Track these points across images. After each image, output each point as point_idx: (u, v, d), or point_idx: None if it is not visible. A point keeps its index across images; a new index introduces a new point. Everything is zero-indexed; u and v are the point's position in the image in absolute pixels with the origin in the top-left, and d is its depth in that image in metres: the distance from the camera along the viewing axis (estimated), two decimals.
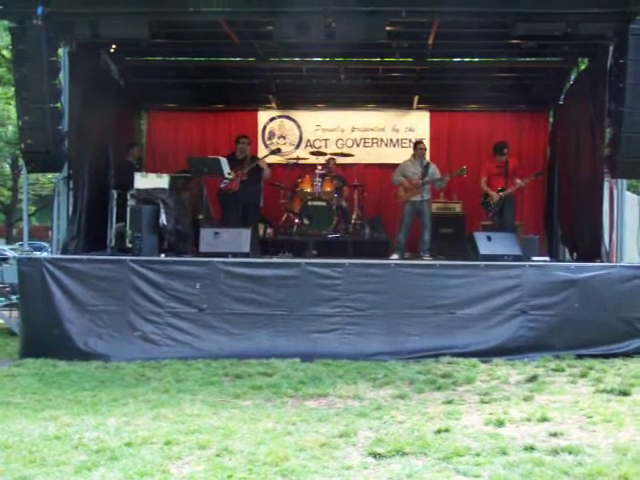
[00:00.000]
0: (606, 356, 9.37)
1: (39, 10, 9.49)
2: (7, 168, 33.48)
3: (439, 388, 7.80)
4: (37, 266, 9.61)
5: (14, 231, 33.79)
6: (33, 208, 36.81)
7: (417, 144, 12.93)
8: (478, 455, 5.40)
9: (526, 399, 7.29)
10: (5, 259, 13.25)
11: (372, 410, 6.81)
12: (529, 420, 6.47)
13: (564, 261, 11.84)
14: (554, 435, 5.98)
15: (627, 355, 9.47)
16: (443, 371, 8.57)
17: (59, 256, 10.35)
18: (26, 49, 9.64)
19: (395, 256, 11.86)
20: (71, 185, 10.94)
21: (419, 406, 7.02)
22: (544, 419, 6.47)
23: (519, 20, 9.76)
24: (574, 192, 12.07)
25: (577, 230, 11.88)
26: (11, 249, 22.51)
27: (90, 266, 9.74)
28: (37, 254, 15.06)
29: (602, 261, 10.41)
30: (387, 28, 10.20)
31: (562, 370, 8.71)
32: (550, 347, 9.48)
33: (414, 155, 12.78)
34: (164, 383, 7.93)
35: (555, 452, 5.48)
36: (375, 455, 5.44)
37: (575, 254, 11.98)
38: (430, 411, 6.81)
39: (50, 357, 9.17)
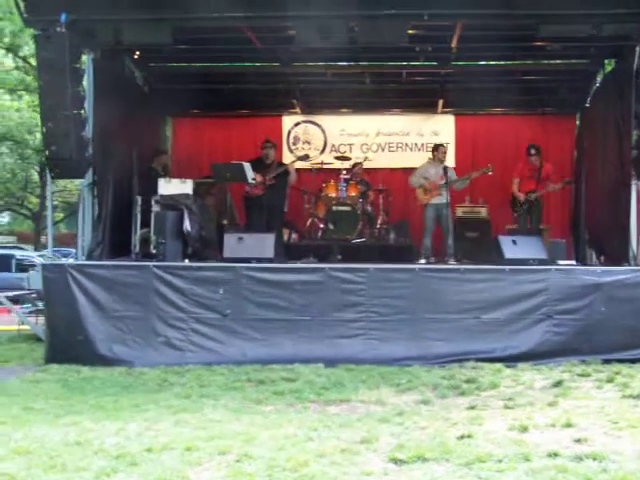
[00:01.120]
0: (633, 361, 9.24)
1: (62, 17, 9.57)
2: (35, 175, 33.78)
3: (463, 393, 7.75)
4: (62, 272, 9.64)
5: (42, 238, 34.03)
6: (61, 215, 37.13)
7: (439, 147, 12.86)
8: (500, 461, 5.32)
9: (551, 404, 7.21)
10: (33, 266, 13.34)
11: (394, 416, 6.76)
12: (553, 426, 6.39)
13: (591, 265, 11.71)
14: (578, 441, 5.89)
15: None
16: (467, 376, 8.49)
17: (83, 262, 10.41)
18: (50, 56, 9.71)
19: (422, 261, 11.79)
20: (95, 192, 10.97)
21: (442, 411, 6.96)
22: (569, 425, 6.38)
23: (543, 22, 9.69)
24: (601, 195, 11.94)
25: (604, 234, 11.77)
26: (39, 256, 22.68)
27: (114, 272, 9.77)
28: (64, 260, 15.16)
29: (629, 265, 10.28)
30: (409, 32, 10.16)
31: (588, 375, 8.61)
32: (576, 352, 9.39)
33: (433, 157, 12.75)
34: (186, 388, 7.94)
35: (579, 458, 5.39)
36: (396, 461, 5.38)
37: (602, 258, 11.86)
38: (453, 417, 6.75)
39: (74, 363, 9.21)
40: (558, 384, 8.13)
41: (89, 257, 10.71)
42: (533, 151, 12.58)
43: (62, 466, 5.24)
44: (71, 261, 12.03)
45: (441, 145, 13.00)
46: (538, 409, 7.03)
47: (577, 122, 14.70)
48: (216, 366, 9.06)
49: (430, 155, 12.94)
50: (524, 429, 6.26)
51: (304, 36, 10.13)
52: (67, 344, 9.50)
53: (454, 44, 11.61)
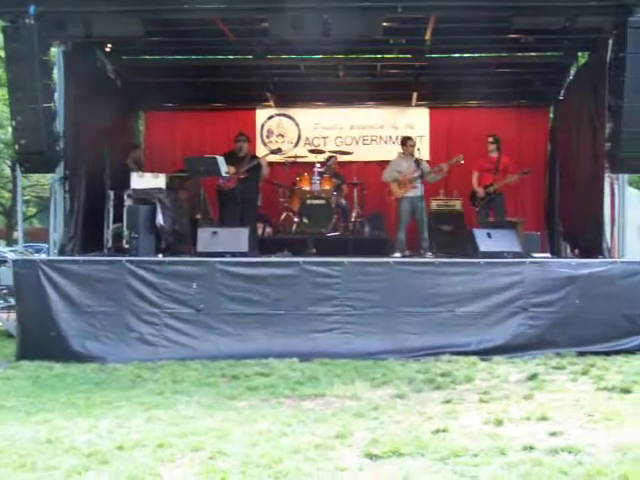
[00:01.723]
0: (608, 353, 9.29)
1: (31, 9, 9.42)
2: (7, 170, 33.42)
3: (438, 387, 7.73)
4: (33, 268, 9.54)
5: (14, 233, 33.71)
6: (34, 210, 36.83)
7: (407, 140, 12.83)
8: (476, 455, 5.31)
9: (526, 398, 7.21)
10: (4, 261, 13.19)
11: (369, 410, 6.73)
12: (529, 419, 6.39)
13: (565, 257, 11.73)
14: (554, 434, 5.89)
15: (629, 352, 9.39)
16: (442, 370, 8.48)
17: (55, 257, 10.31)
18: (19, 48, 9.57)
19: (397, 254, 11.74)
20: (67, 186, 10.86)
21: (417, 406, 6.93)
22: (544, 418, 6.39)
23: (516, 14, 9.67)
24: (575, 188, 11.97)
25: (578, 226, 11.78)
26: (11, 251, 22.44)
27: (86, 267, 9.68)
28: (36, 255, 14.98)
29: (604, 257, 10.31)
30: (383, 24, 10.11)
31: (563, 368, 8.63)
32: (551, 344, 9.42)
33: (403, 152, 12.72)
34: (160, 385, 7.87)
35: (554, 452, 5.39)
36: (371, 456, 5.35)
37: (576, 250, 11.88)
38: (428, 411, 6.73)
39: (46, 359, 9.09)
40: (533, 377, 8.13)
41: (61, 252, 10.60)
42: (491, 139, 12.62)
43: (32, 465, 5.18)
44: (43, 256, 11.92)
45: (409, 138, 12.96)
46: (513, 402, 7.02)
47: (551, 115, 14.71)
48: (190, 361, 8.99)
49: (400, 149, 12.88)
50: (499, 423, 6.25)
51: (278, 29, 10.07)
52: (39, 340, 9.39)
53: (428, 37, 11.57)
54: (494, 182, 12.45)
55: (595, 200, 10.80)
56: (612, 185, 10.68)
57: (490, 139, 12.63)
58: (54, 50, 10.70)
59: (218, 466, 5.12)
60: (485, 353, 9.22)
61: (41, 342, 9.38)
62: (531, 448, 5.48)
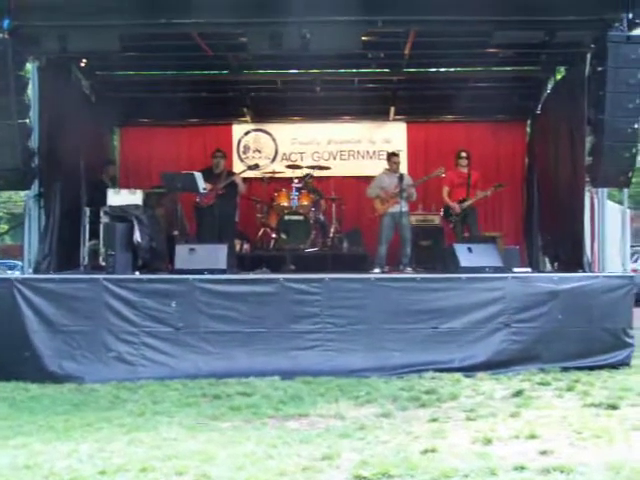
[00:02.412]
0: (591, 368, 9.25)
1: (5, 23, 9.27)
2: None
3: (423, 405, 7.61)
4: (7, 286, 9.34)
5: None
6: (6, 226, 36.47)
7: (391, 156, 12.81)
8: (467, 476, 5.18)
9: (513, 415, 7.10)
10: None
11: (355, 430, 6.58)
12: (517, 437, 6.27)
13: (545, 272, 11.72)
14: (544, 453, 5.77)
15: (613, 367, 9.36)
16: (427, 387, 8.38)
17: (30, 276, 10.13)
18: None
19: (376, 270, 11.66)
20: (42, 203, 10.69)
21: (404, 425, 6.80)
22: (533, 436, 6.27)
23: (497, 28, 9.65)
24: (554, 202, 11.97)
25: (558, 240, 11.79)
26: None
27: (62, 285, 9.48)
28: (9, 272, 14.76)
29: (584, 271, 10.29)
30: (363, 38, 10.04)
31: (548, 384, 8.55)
32: (535, 360, 9.34)
33: (389, 167, 12.66)
34: (140, 405, 7.67)
35: (546, 471, 5.27)
36: (360, 478, 5.20)
37: (556, 264, 11.87)
38: (415, 430, 6.60)
39: (22, 380, 8.89)
40: (518, 394, 8.04)
41: (36, 270, 10.44)
42: (464, 154, 12.59)
43: None
44: (17, 274, 11.73)
45: (393, 154, 12.92)
46: (500, 420, 6.91)
47: (528, 129, 14.73)
48: (169, 381, 8.81)
49: (386, 165, 12.81)
50: (488, 441, 6.13)
51: (256, 43, 9.96)
52: (14, 361, 9.16)
53: (407, 51, 11.54)
54: (468, 197, 12.38)
55: (575, 214, 10.79)
56: (592, 199, 10.68)
57: (463, 154, 12.60)
58: (28, 66, 10.53)
59: None
60: (468, 370, 9.13)
61: (16, 363, 9.15)
62: (522, 468, 5.36)
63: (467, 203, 12.40)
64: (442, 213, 12.83)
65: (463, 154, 12.62)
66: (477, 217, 12.76)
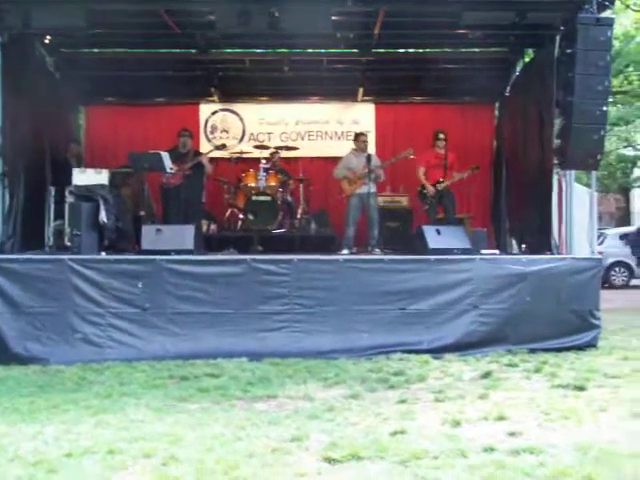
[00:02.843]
0: (559, 350, 9.34)
1: None
2: None
3: (392, 387, 7.62)
4: None
5: None
6: None
7: (359, 136, 12.70)
8: (437, 458, 5.20)
9: (481, 397, 7.14)
10: None
11: (324, 411, 6.58)
12: (486, 419, 6.31)
13: (512, 254, 11.75)
14: (513, 434, 5.82)
15: (580, 348, 9.46)
16: (395, 369, 8.38)
17: None
18: None
19: (345, 251, 11.60)
20: (5, 182, 10.51)
21: (372, 406, 6.80)
22: (501, 417, 6.32)
23: (467, 9, 9.62)
24: (522, 184, 12.00)
25: (526, 222, 11.82)
26: None
27: (27, 266, 9.35)
28: None
29: (552, 254, 10.32)
30: (332, 18, 9.95)
31: (516, 365, 8.60)
32: (503, 342, 9.41)
33: (356, 147, 12.57)
34: (106, 387, 7.60)
35: (516, 453, 5.31)
36: (329, 460, 5.21)
37: (524, 247, 11.89)
38: (384, 411, 6.60)
39: None
40: (487, 375, 8.08)
41: (0, 251, 10.25)
42: (442, 136, 12.46)
43: None
44: None
45: (361, 134, 12.83)
46: (469, 402, 6.94)
47: (496, 111, 14.73)
48: (136, 362, 8.75)
49: (353, 145, 12.74)
50: (457, 423, 6.16)
51: (224, 21, 9.84)
52: None
53: (376, 31, 11.47)
54: (444, 178, 12.35)
55: (543, 196, 10.82)
56: (560, 181, 10.72)
57: (441, 135, 12.48)
58: None
59: (172, 473, 4.94)
60: (437, 351, 9.16)
61: None
62: (491, 449, 5.39)
63: (443, 185, 12.34)
64: (417, 193, 12.71)
65: (441, 135, 12.47)
66: (454, 200, 12.68)
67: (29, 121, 11.09)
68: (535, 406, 6.75)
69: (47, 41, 11.95)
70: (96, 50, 13.29)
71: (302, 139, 15.08)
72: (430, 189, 12.33)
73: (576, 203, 10.61)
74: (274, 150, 13.93)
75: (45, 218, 11.16)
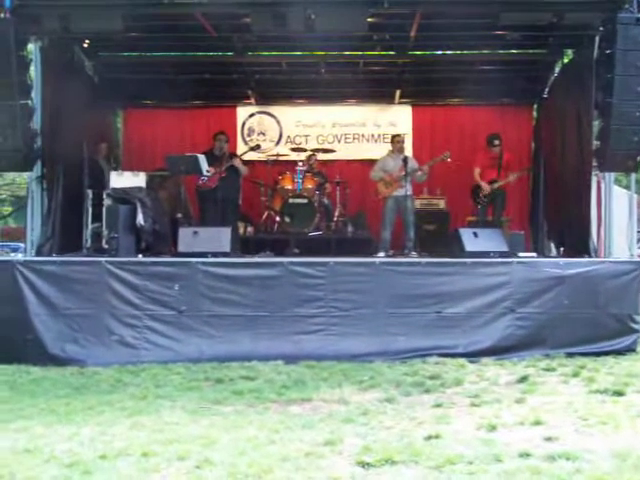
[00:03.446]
0: (597, 354, 9.17)
1: (7, 2, 9.20)
2: None
3: (427, 390, 7.55)
4: (9, 269, 9.28)
5: None
6: (9, 209, 36.44)
7: (395, 137, 12.69)
8: (471, 463, 5.13)
9: (518, 401, 7.05)
10: None
11: (358, 415, 6.54)
12: (522, 424, 6.23)
13: (551, 257, 11.63)
14: (549, 439, 5.73)
15: (619, 353, 9.28)
16: (431, 372, 8.32)
17: (32, 258, 10.05)
18: None
19: (381, 254, 11.57)
20: (45, 185, 10.63)
21: (407, 410, 6.75)
22: (538, 422, 6.23)
23: (505, 10, 9.52)
24: (560, 186, 11.87)
25: (564, 225, 11.69)
26: None
27: (65, 268, 9.42)
28: (13, 255, 14.70)
29: (590, 257, 10.20)
30: (368, 19, 9.91)
31: (553, 370, 8.48)
32: (540, 346, 9.27)
33: (392, 149, 12.54)
34: (142, 389, 7.63)
35: (552, 458, 5.21)
36: (363, 464, 5.15)
37: (562, 250, 11.78)
38: (419, 415, 6.54)
39: (23, 363, 8.85)
40: (523, 379, 7.99)
41: (38, 252, 10.38)
42: (497, 142, 12.39)
43: (10, 476, 4.93)
44: (19, 257, 11.67)
45: (397, 135, 12.80)
46: (505, 406, 6.85)
47: (534, 113, 14.60)
48: (172, 364, 8.76)
49: (390, 147, 12.70)
50: (493, 428, 6.08)
51: (260, 24, 9.83)
52: (16, 344, 9.10)
53: (413, 33, 11.42)
54: (498, 179, 12.29)
55: (582, 199, 10.70)
56: (599, 183, 10.60)
57: (496, 141, 12.43)
58: (31, 46, 10.44)
59: (205, 476, 4.93)
60: (473, 355, 9.07)
61: (18, 345, 9.10)
62: (527, 455, 5.31)
63: (496, 184, 12.27)
64: (471, 193, 12.65)
65: (496, 141, 12.45)
66: (505, 200, 12.64)
67: (68, 125, 11.19)
68: (572, 411, 6.65)
69: (86, 45, 12.11)
70: (134, 54, 13.38)
71: (339, 142, 15.08)
72: (486, 188, 12.24)
73: (615, 205, 10.48)
74: (311, 153, 13.93)
75: (83, 220, 11.24)
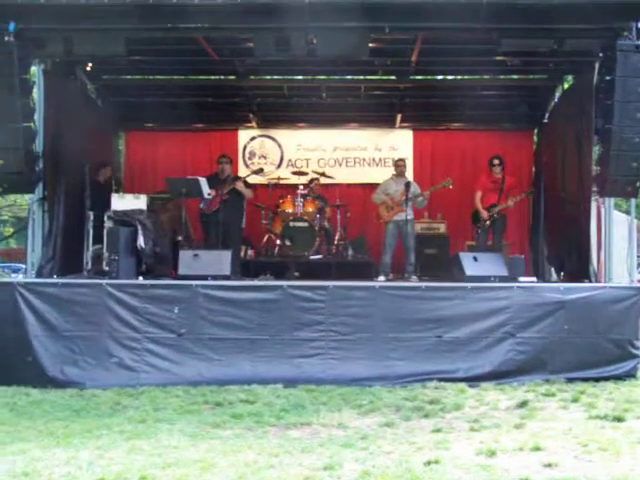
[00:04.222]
0: (597, 379, 9.16)
1: (11, 26, 9.22)
2: None
3: (427, 415, 7.54)
4: (9, 290, 9.28)
5: None
6: (11, 230, 36.47)
7: (397, 162, 12.79)
8: None
9: (517, 426, 7.04)
10: None
11: (358, 440, 6.53)
12: (521, 449, 6.22)
13: (550, 281, 11.64)
14: (549, 465, 5.74)
15: (618, 378, 9.24)
16: (430, 397, 8.31)
17: (32, 280, 10.04)
18: None
19: (381, 278, 11.60)
20: (46, 207, 10.65)
21: (407, 435, 6.75)
22: (537, 448, 6.22)
23: (505, 36, 9.57)
24: (561, 211, 11.88)
25: (564, 250, 11.69)
26: None
27: (65, 290, 9.43)
28: (14, 276, 14.70)
29: (590, 281, 10.20)
30: (370, 45, 9.97)
31: (553, 395, 8.46)
32: (540, 371, 9.26)
33: (395, 173, 12.59)
34: (141, 412, 7.62)
35: None
36: None
37: (562, 274, 11.78)
38: (418, 440, 6.54)
39: (23, 385, 8.84)
40: (523, 405, 7.98)
41: (39, 274, 10.36)
42: (497, 161, 12.36)
43: None
44: (20, 278, 11.67)
45: (400, 159, 12.93)
46: (505, 432, 6.85)
47: (535, 138, 14.65)
48: (171, 387, 8.76)
49: (393, 171, 12.75)
50: (492, 453, 6.08)
51: (262, 48, 9.86)
52: (15, 365, 9.11)
53: (414, 58, 11.49)
54: (498, 203, 12.29)
55: (582, 223, 10.71)
56: (598, 208, 10.62)
57: (496, 161, 12.39)
58: (34, 69, 10.49)
59: None
60: (473, 380, 9.05)
61: (17, 367, 9.09)
62: None
63: (495, 209, 12.27)
64: (472, 217, 12.62)
65: (496, 161, 12.41)
66: (505, 225, 12.60)
67: (70, 147, 11.22)
68: (572, 437, 6.64)
69: (88, 68, 12.14)
70: (137, 77, 13.48)
71: (340, 165, 15.14)
72: (484, 214, 12.24)
73: (615, 230, 10.48)
74: (314, 177, 13.97)
75: (84, 242, 11.24)
